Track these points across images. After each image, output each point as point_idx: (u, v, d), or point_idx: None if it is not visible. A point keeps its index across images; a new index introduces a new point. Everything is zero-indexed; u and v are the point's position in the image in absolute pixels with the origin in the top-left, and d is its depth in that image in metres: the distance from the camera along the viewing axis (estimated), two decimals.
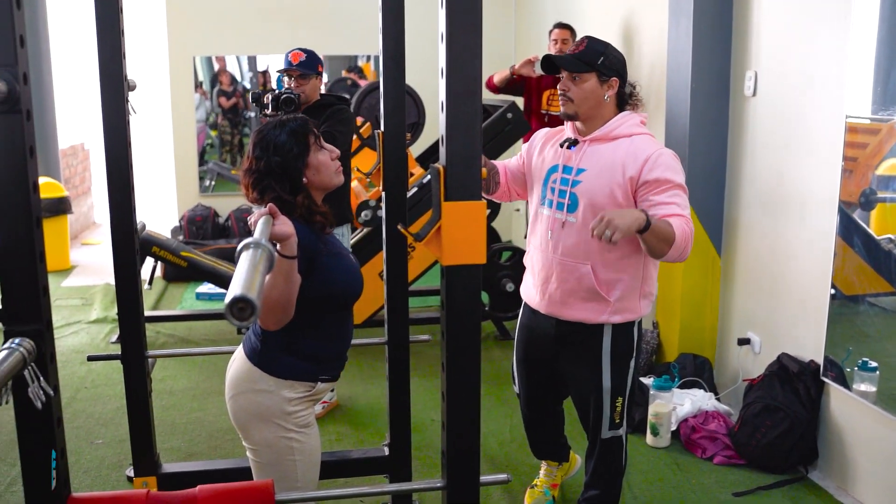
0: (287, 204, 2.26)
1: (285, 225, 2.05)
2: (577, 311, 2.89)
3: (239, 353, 2.40)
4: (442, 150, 1.78)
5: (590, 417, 3.03)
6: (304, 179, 2.30)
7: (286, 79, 4.15)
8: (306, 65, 4.12)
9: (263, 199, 2.28)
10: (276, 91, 4.06)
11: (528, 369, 3.21)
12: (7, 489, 3.62)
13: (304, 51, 4.15)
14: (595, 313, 2.87)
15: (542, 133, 3.08)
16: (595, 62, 2.78)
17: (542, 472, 3.53)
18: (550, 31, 5.62)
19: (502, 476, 2.02)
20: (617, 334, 2.91)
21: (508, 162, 3.15)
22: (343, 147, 3.99)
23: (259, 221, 1.93)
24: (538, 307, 3.00)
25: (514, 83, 5.63)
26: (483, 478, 1.98)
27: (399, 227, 2.11)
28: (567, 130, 2.94)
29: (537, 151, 3.03)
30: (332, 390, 4.60)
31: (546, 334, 3.02)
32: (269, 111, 4.02)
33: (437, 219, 1.77)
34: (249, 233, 1.89)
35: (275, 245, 2.02)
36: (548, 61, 2.86)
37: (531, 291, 3.04)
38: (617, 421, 2.99)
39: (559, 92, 2.85)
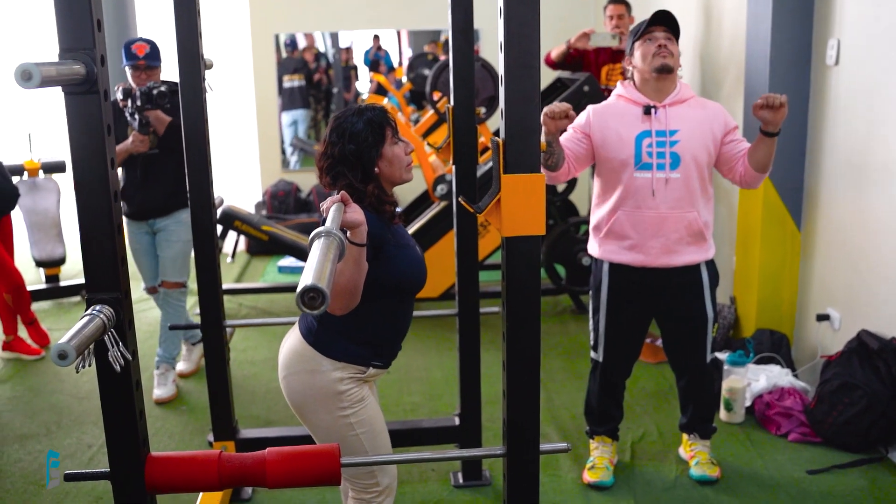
0: (358, 192, 2.29)
1: (356, 213, 2.08)
2: (686, 255, 3.19)
3: (294, 332, 2.44)
4: (501, 123, 1.81)
5: (689, 351, 3.39)
6: (375, 170, 2.32)
7: (132, 72, 4.18)
8: (152, 56, 4.19)
9: (335, 184, 2.33)
10: (148, 86, 4.07)
11: (624, 331, 3.37)
12: (99, 450, 3.81)
13: (148, 42, 4.20)
14: (698, 254, 3.22)
15: (592, 111, 3.21)
16: (679, 33, 3.16)
17: (597, 451, 3.53)
18: (605, 7, 5.55)
19: (562, 445, 2.05)
20: (710, 269, 3.29)
21: (565, 143, 3.19)
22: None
23: (331, 209, 1.96)
24: (643, 264, 3.20)
25: (572, 58, 5.54)
26: (543, 446, 2.01)
27: (460, 199, 2.15)
28: (636, 99, 3.15)
29: (603, 126, 3.16)
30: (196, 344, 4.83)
31: (649, 289, 3.26)
32: (139, 104, 4.07)
33: (497, 191, 1.80)
34: (321, 219, 1.94)
35: (345, 232, 2.07)
36: (659, 14, 3.12)
37: (628, 254, 3.21)
38: (711, 345, 3.38)
39: (660, 46, 3.09)
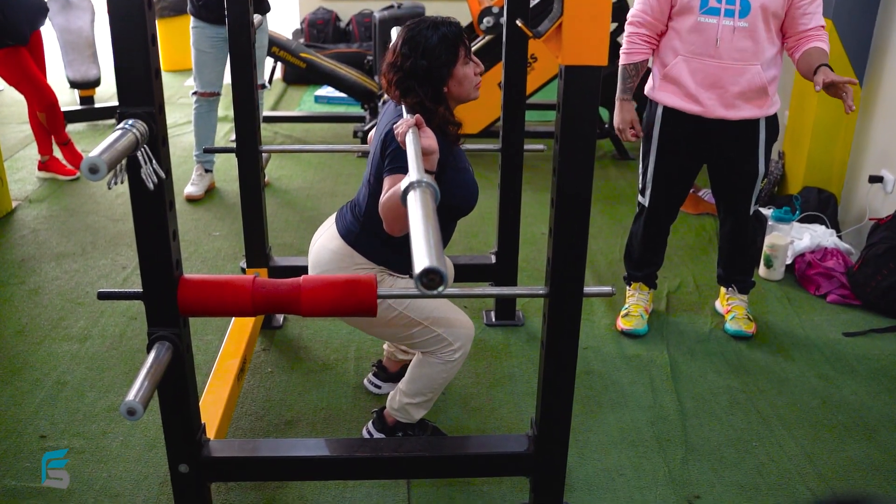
0: (428, 111, 2.24)
1: (430, 139, 2.03)
2: (745, 110, 3.03)
3: (329, 231, 2.45)
4: None
5: (735, 200, 3.30)
6: (445, 88, 2.27)
7: None
8: None
9: (404, 99, 2.27)
10: None
11: (673, 176, 3.27)
12: (132, 272, 3.83)
13: None
14: (758, 110, 3.05)
15: None
16: None
17: (633, 298, 3.50)
18: None
19: (607, 289, 1.99)
20: (769, 125, 3.13)
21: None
22: None
23: (408, 136, 1.92)
24: (700, 113, 3.05)
25: None
26: (587, 289, 1.95)
27: (518, 22, 2.02)
28: None
29: None
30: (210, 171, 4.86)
31: (701, 138, 3.13)
32: None
33: (559, 14, 1.66)
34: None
35: None
36: None
37: (683, 102, 3.07)
38: (756, 197, 3.31)
39: None
